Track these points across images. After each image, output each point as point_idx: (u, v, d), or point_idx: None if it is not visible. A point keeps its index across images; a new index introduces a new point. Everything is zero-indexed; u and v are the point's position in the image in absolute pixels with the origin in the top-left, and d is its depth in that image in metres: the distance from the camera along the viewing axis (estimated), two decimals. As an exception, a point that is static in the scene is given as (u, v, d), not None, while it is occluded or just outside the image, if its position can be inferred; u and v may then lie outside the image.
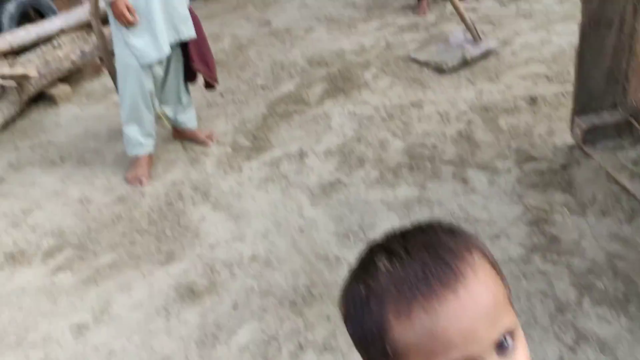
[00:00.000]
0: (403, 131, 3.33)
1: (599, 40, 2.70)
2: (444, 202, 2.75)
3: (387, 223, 2.67)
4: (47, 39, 4.80)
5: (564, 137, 3.04)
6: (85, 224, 3.02)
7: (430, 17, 4.71)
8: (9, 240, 2.97)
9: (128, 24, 2.98)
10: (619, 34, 2.70)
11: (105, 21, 3.29)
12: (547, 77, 3.62)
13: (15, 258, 2.84)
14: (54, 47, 4.61)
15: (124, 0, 2.94)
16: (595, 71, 2.79)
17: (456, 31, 4.22)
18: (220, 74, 4.36)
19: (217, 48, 4.86)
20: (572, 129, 2.96)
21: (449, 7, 4.54)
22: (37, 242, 2.93)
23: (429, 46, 4.19)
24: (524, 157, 2.94)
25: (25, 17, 4.99)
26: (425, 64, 3.98)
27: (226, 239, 2.77)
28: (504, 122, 3.26)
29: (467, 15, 4.03)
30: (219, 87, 4.17)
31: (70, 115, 4.17)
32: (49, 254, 2.84)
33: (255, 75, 4.29)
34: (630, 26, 2.68)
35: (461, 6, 4.03)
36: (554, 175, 2.78)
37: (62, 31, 4.87)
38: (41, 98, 4.38)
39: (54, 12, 5.07)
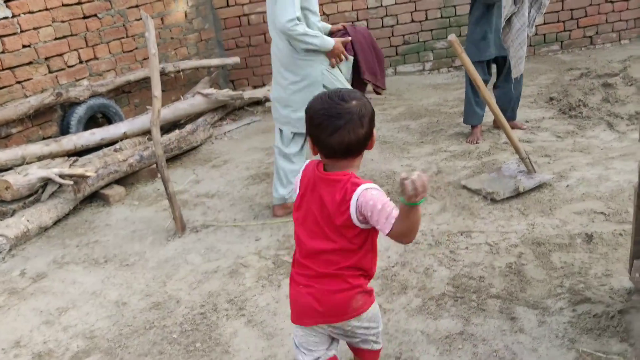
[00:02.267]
0: (450, 259, 3.22)
1: (660, 183, 2.59)
2: (488, 340, 2.58)
3: (426, 357, 2.51)
4: (110, 142, 5.01)
5: (622, 280, 2.87)
6: (118, 328, 2.96)
7: (484, 145, 4.69)
8: (40, 339, 2.93)
9: (343, 60, 3.66)
10: (681, 178, 2.58)
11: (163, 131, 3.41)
12: (604, 214, 3.49)
13: (43, 358, 2.78)
14: (115, 151, 4.79)
15: (340, 40, 3.63)
16: (655, 215, 2.65)
17: (510, 161, 4.17)
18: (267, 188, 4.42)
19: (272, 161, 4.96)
20: (630, 273, 2.78)
21: (503, 136, 4.54)
22: (67, 344, 2.88)
23: (481, 174, 4.15)
24: (578, 298, 2.76)
25: (92, 120, 5.24)
26: (476, 192, 3.92)
27: (257, 358, 2.65)
28: (557, 258, 3.11)
29: (522, 146, 4.00)
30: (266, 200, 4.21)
31: (121, 217, 4.24)
32: (76, 357, 2.78)
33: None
34: (693, 170, 2.57)
35: (515, 137, 4.01)
36: (610, 321, 2.58)
37: (125, 135, 5.09)
38: (95, 197, 4.50)
39: (120, 118, 5.32)
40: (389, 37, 7.00)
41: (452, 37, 3.39)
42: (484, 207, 3.75)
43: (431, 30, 7.00)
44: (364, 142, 1.84)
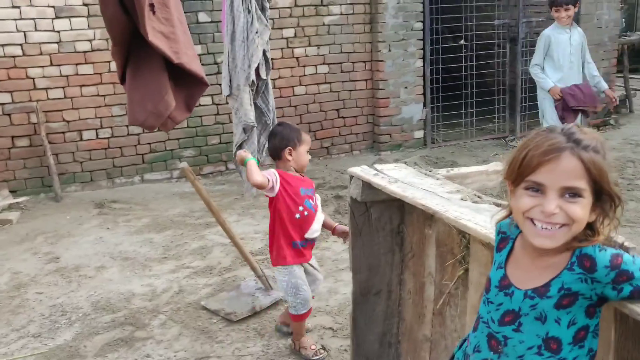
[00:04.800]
0: (184, 393, 3.12)
1: (370, 307, 2.84)
2: None
3: None
4: None
5: (346, 398, 3.03)
6: None
7: (226, 260, 4.76)
8: None
9: None
10: (388, 302, 2.87)
11: None
12: (332, 329, 3.70)
13: None
14: None
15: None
16: (370, 335, 2.89)
17: (248, 278, 4.27)
18: (-12, 320, 3.94)
19: (-8, 287, 4.45)
20: (351, 391, 2.96)
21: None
22: None
23: (221, 293, 4.17)
24: None
25: None
26: (215, 313, 3.91)
27: None
28: (288, 381, 3.20)
29: (257, 264, 4.13)
30: (-17, 336, 3.72)
31: None
32: None
33: (29, 321, 3.90)
34: (396, 294, 2.87)
35: (250, 255, 4.14)
36: None
37: None
38: None
39: None
40: (135, 146, 6.90)
41: (183, 164, 3.45)
42: (222, 329, 3.74)
43: (178, 139, 7.09)
44: (274, 153, 3.39)
